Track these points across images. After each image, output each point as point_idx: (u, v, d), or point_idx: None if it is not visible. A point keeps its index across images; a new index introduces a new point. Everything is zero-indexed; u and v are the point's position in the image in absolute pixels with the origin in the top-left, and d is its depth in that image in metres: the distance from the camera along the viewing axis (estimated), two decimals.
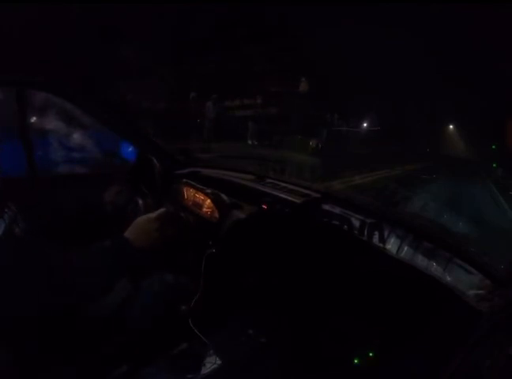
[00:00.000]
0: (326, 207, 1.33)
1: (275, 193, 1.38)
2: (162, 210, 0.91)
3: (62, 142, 2.23)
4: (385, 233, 1.15)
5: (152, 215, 0.87)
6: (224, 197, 1.27)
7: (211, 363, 1.02)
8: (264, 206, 1.29)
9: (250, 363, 1.08)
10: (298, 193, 1.38)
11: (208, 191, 1.29)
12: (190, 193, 1.41)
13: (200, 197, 1.34)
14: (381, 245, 1.15)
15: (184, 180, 1.48)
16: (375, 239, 1.17)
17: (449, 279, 0.96)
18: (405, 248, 1.10)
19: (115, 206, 1.17)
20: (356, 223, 1.24)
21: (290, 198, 1.33)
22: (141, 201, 1.09)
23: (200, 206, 1.33)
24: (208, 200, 1.28)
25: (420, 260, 1.04)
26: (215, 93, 7.89)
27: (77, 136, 2.33)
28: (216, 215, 1.24)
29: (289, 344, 1.18)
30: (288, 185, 1.49)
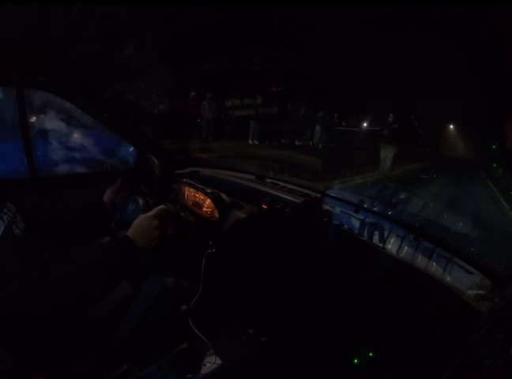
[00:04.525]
0: (326, 207, 1.33)
1: (275, 192, 1.38)
2: (161, 207, 0.91)
3: (62, 142, 2.24)
4: (386, 233, 1.16)
5: (151, 212, 0.87)
6: (223, 196, 1.27)
7: (211, 363, 1.02)
8: (264, 206, 1.29)
9: (251, 363, 1.08)
10: (298, 193, 1.38)
11: (208, 191, 1.29)
12: (190, 193, 1.41)
13: (200, 196, 1.34)
14: (381, 244, 1.15)
15: (184, 180, 1.49)
16: (375, 239, 1.17)
17: (449, 279, 0.96)
18: (405, 248, 1.10)
19: (115, 206, 1.17)
20: (356, 223, 1.25)
21: (290, 198, 1.33)
22: (141, 201, 1.09)
23: (200, 206, 1.33)
24: (208, 200, 1.28)
25: (420, 260, 1.04)
26: (213, 93, 7.89)
27: (77, 136, 2.34)
28: (216, 214, 1.24)
29: (289, 344, 1.18)
30: (287, 185, 1.49)
